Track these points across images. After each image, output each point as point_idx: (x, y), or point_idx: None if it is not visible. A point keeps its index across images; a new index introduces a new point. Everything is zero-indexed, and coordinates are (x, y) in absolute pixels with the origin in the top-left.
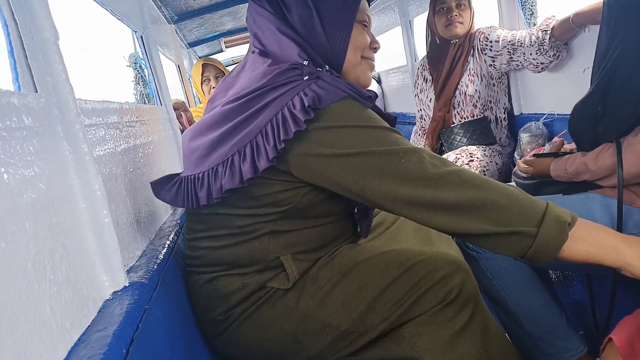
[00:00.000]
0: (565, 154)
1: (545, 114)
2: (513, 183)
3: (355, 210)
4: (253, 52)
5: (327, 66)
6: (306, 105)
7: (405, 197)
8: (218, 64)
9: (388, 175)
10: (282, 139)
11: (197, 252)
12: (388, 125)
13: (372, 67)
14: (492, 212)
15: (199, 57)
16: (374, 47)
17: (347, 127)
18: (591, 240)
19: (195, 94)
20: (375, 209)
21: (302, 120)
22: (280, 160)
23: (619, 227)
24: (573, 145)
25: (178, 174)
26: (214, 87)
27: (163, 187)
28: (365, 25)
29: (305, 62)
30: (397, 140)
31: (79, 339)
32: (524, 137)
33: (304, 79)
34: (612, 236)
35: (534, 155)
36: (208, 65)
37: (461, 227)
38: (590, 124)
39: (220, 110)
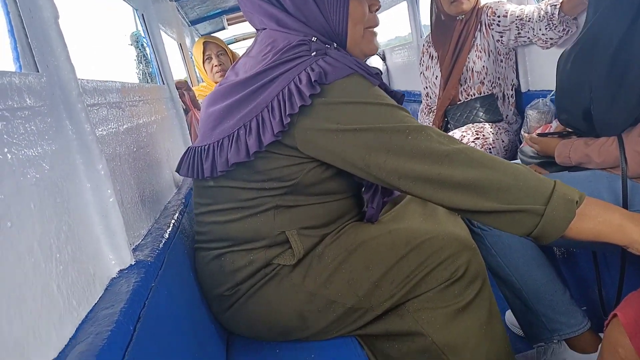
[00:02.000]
0: (570, 133)
1: (552, 91)
2: (519, 160)
3: (363, 189)
4: (259, 30)
5: (334, 43)
6: (312, 80)
7: (411, 173)
8: (219, 41)
9: (394, 152)
10: (287, 113)
11: (204, 228)
12: (395, 103)
13: (375, 35)
14: (499, 190)
15: (201, 35)
16: (374, 9)
17: (354, 103)
18: (598, 218)
19: (197, 73)
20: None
21: (307, 95)
22: (286, 134)
23: (625, 207)
24: None
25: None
26: (216, 65)
27: (181, 162)
28: None
29: (314, 39)
30: (404, 117)
31: (86, 317)
32: (531, 114)
33: (312, 54)
34: (619, 214)
35: (539, 134)
36: (209, 43)
37: (468, 204)
38: (586, 114)
39: (229, 85)
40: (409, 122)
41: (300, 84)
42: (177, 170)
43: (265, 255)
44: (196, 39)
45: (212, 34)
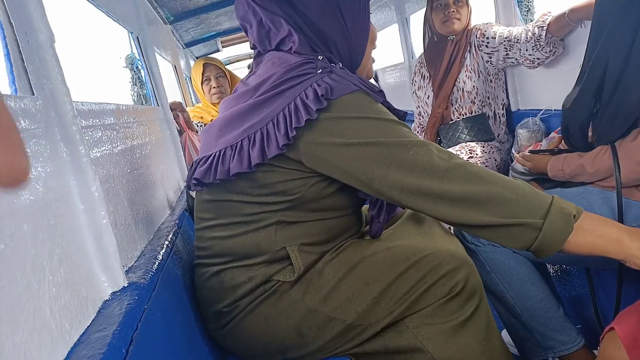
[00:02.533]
0: (562, 151)
1: (542, 110)
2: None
3: (370, 205)
4: (261, 51)
5: (339, 64)
6: (319, 94)
7: (412, 187)
8: (219, 63)
9: (396, 166)
10: (294, 126)
11: (204, 243)
12: (397, 119)
13: (374, 60)
14: (498, 204)
15: (196, 57)
16: (374, 37)
17: (358, 118)
18: (596, 232)
19: (192, 94)
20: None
21: (314, 109)
22: (291, 148)
23: (620, 219)
24: None
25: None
26: (214, 87)
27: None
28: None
29: (320, 57)
30: (406, 133)
31: (78, 340)
32: (521, 133)
33: (318, 72)
34: (616, 228)
35: (531, 151)
36: (209, 65)
37: (467, 218)
38: (583, 125)
39: (235, 103)
40: (410, 138)
41: (306, 99)
42: (188, 187)
43: (265, 272)
44: (191, 61)
45: (207, 56)
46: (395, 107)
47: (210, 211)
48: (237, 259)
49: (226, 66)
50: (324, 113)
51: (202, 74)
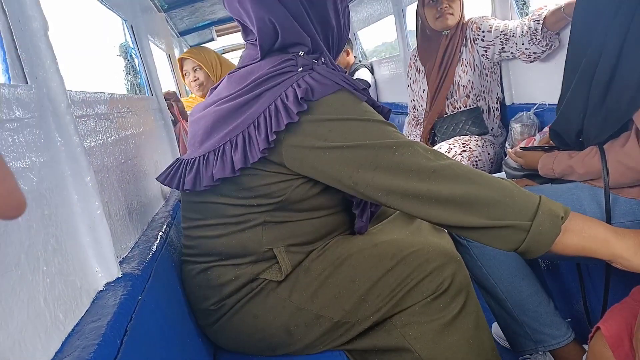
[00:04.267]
0: (553, 147)
1: (536, 104)
2: (503, 173)
3: (354, 204)
4: (247, 42)
5: (324, 57)
6: (299, 97)
7: (399, 189)
8: (195, 56)
9: (382, 168)
10: (273, 130)
11: (192, 242)
12: (382, 118)
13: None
14: (485, 206)
15: (190, 46)
16: None
17: (341, 120)
18: (583, 233)
19: (185, 84)
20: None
21: (294, 112)
22: (272, 151)
23: (608, 222)
24: None
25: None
26: (193, 80)
27: (165, 171)
28: None
29: (301, 53)
30: (391, 133)
31: (72, 330)
32: (515, 127)
33: (298, 70)
34: (603, 229)
35: (522, 148)
36: (185, 59)
37: (455, 220)
38: (578, 132)
39: (216, 101)
40: (396, 138)
41: (287, 100)
42: (157, 177)
43: (251, 270)
44: (185, 50)
45: (201, 45)
46: (390, 99)
47: (196, 212)
48: (224, 258)
49: (222, 55)
50: (305, 115)
51: (182, 69)
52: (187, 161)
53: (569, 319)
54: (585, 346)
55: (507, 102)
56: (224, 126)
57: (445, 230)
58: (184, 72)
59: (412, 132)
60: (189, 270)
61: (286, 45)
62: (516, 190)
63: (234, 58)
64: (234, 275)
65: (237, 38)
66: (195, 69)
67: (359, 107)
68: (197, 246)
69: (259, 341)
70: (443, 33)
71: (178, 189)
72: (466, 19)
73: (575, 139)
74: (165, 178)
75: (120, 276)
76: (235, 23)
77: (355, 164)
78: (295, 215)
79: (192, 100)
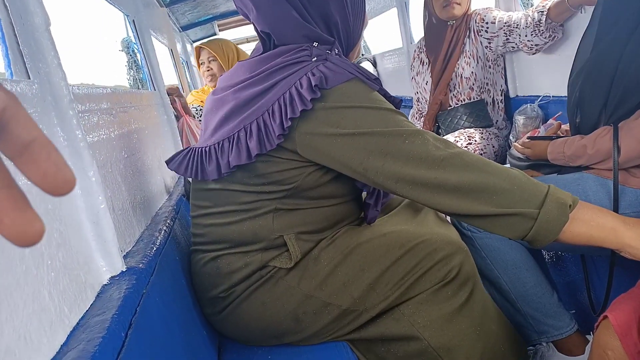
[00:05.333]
0: (560, 137)
1: (540, 96)
2: (508, 165)
3: (365, 194)
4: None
5: (335, 49)
6: (313, 84)
7: (408, 177)
8: (212, 47)
9: (392, 156)
10: (288, 117)
11: (201, 230)
12: (393, 107)
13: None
14: (493, 194)
15: (192, 41)
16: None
17: (353, 107)
18: (591, 222)
19: (189, 78)
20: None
21: (308, 99)
22: (286, 138)
23: (615, 209)
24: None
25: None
26: (208, 70)
27: (175, 157)
28: None
29: (315, 44)
30: (402, 122)
31: (77, 324)
32: (519, 119)
33: (312, 60)
34: (611, 218)
35: (529, 137)
36: (202, 49)
37: (463, 208)
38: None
39: (231, 90)
40: (406, 127)
41: (301, 88)
42: (168, 164)
43: (261, 258)
44: (187, 45)
45: (203, 40)
46: (393, 93)
47: (206, 199)
48: (234, 245)
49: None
50: (319, 103)
51: (198, 58)
52: (203, 150)
53: (573, 310)
54: (589, 337)
55: (512, 95)
56: (238, 114)
57: (450, 222)
58: (199, 61)
59: (415, 124)
60: (198, 259)
61: (286, 39)
62: (524, 179)
63: None
64: (243, 263)
65: (239, 32)
66: (210, 60)
67: (371, 95)
68: (207, 234)
69: (265, 329)
70: (449, 23)
71: (197, 178)
72: (471, 10)
73: (599, 109)
74: (186, 169)
75: (124, 270)
76: (237, 17)
77: (365, 151)
78: (306, 203)
79: (202, 94)
